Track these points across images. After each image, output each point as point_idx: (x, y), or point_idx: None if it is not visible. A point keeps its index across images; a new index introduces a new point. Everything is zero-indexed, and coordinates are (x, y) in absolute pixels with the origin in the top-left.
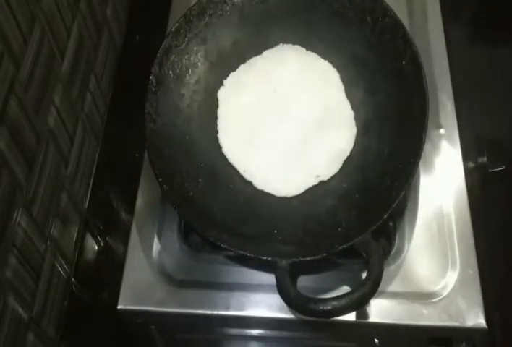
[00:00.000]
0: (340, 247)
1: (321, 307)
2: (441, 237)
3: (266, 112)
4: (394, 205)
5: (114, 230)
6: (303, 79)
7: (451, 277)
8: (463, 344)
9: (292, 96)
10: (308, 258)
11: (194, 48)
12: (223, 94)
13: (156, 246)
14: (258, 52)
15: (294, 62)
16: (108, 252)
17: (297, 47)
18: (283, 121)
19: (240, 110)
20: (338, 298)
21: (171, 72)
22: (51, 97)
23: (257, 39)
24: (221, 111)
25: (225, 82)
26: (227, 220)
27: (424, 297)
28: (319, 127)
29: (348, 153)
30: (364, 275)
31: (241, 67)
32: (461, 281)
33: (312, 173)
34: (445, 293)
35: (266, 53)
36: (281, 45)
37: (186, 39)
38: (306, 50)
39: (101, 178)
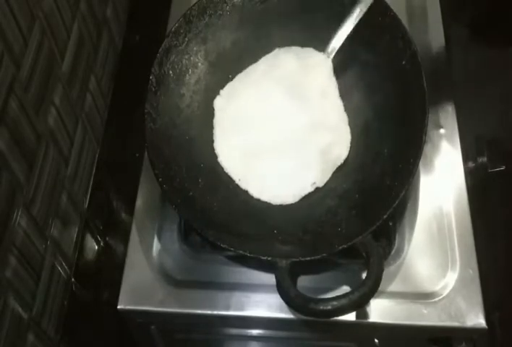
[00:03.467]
0: (340, 247)
1: (321, 307)
2: (441, 237)
3: (261, 122)
4: (394, 205)
5: (114, 230)
6: (299, 88)
7: (451, 277)
8: (463, 344)
9: (287, 106)
10: (308, 258)
11: (194, 48)
12: (219, 103)
13: (156, 246)
14: (257, 53)
15: (290, 69)
16: (108, 252)
17: (293, 48)
18: (278, 130)
19: (236, 119)
20: (338, 298)
21: (171, 72)
22: (51, 97)
23: (257, 39)
24: (217, 121)
25: (221, 91)
26: (227, 220)
27: (424, 297)
28: (314, 135)
29: (343, 159)
30: (364, 275)
31: (238, 77)
32: (461, 281)
33: (308, 180)
34: (445, 293)
35: (262, 60)
36: (277, 49)
37: (186, 39)
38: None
39: (101, 178)
